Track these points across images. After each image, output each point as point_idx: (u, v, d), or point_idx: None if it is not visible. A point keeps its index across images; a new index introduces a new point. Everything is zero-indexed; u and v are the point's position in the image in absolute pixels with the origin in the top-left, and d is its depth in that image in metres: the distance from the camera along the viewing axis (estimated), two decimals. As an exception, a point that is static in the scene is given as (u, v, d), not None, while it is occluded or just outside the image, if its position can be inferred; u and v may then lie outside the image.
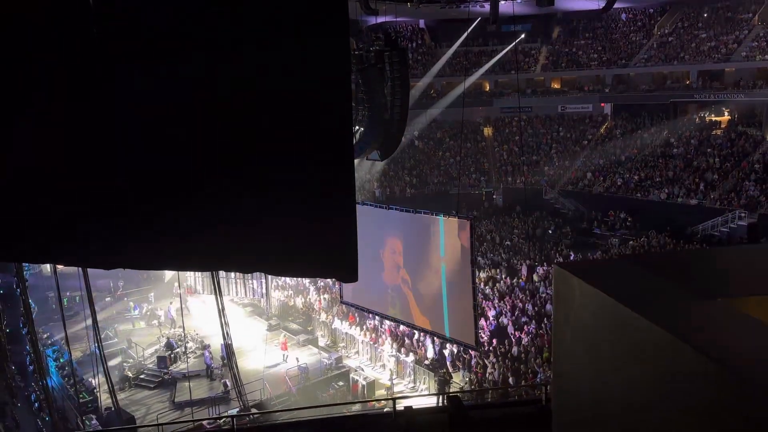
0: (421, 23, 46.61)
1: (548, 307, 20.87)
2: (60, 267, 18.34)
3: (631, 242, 28.58)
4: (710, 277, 2.60)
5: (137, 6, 3.48)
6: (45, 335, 23.38)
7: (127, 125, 3.63)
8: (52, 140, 3.68)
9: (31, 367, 17.86)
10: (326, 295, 25.99)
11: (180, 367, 21.84)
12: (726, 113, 35.41)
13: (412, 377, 20.47)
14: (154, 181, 3.75)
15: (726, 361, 1.78)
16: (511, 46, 39.90)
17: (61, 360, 21.70)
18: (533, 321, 20.88)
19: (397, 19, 40.87)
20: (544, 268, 24.73)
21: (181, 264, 6.01)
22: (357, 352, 22.77)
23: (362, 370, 21.26)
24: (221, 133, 3.63)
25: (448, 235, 17.06)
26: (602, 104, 40.65)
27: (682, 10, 40.29)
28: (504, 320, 21.33)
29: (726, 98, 34.59)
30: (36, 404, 16.91)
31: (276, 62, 3.43)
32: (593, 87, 40.75)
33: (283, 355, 22.29)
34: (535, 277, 24.41)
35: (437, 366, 19.93)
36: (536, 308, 21.65)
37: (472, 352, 18.88)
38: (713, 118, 35.57)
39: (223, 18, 3.44)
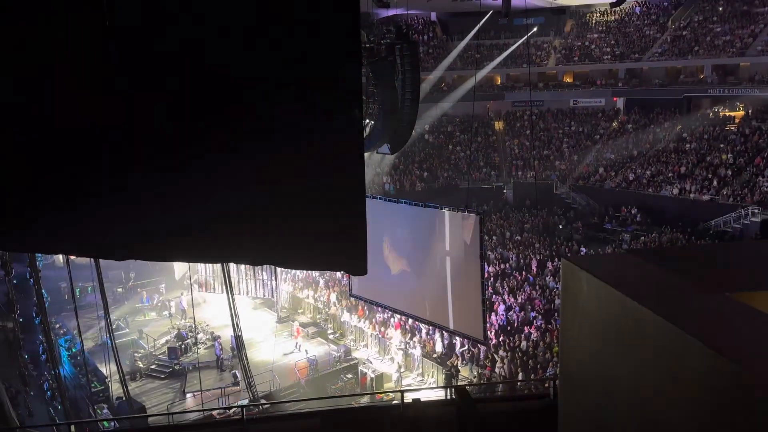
0: (433, 16, 46.43)
1: (558, 302, 20.82)
2: (72, 258, 18.52)
3: (642, 238, 28.41)
4: (718, 271, 2.59)
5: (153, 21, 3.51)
6: (57, 325, 23.64)
7: (139, 119, 3.66)
8: (65, 141, 3.73)
9: (43, 357, 18.08)
10: (336, 288, 26.08)
11: (190, 357, 22.03)
12: (740, 108, 35.04)
13: (420, 370, 20.53)
14: (165, 175, 3.78)
15: (732, 354, 1.78)
16: (524, 39, 39.70)
17: (74, 349, 21.94)
18: (542, 316, 20.84)
19: (409, 12, 40.80)
20: (554, 263, 24.65)
21: (192, 256, 6.06)
22: (365, 345, 22.86)
23: (370, 362, 21.35)
24: (232, 129, 3.66)
25: (455, 229, 17.03)
26: (615, 98, 40.36)
27: (696, 4, 39.85)
28: (513, 315, 21.31)
29: (741, 93, 34.22)
30: (48, 393, 17.12)
31: (287, 56, 3.45)
32: (606, 81, 40.45)
33: (296, 343, 22.46)
34: (545, 272, 24.34)
35: (445, 360, 19.97)
36: (546, 303, 21.61)
37: (481, 347, 18.89)
38: (727, 113, 35.20)
39: (233, 15, 3.46)
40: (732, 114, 35.03)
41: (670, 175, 32.05)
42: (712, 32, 37.49)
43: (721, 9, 38.61)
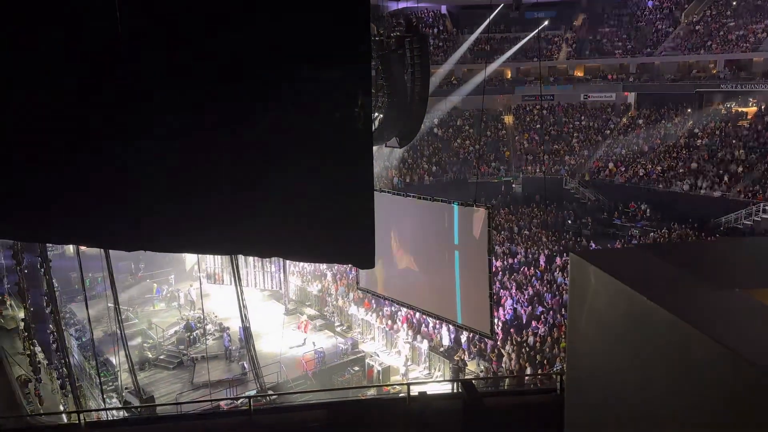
0: (443, 9, 46.22)
1: (566, 297, 20.78)
2: (83, 248, 18.66)
3: (652, 234, 28.28)
4: (729, 268, 2.58)
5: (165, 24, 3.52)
6: (68, 315, 23.86)
7: (144, 112, 3.67)
8: (74, 131, 3.75)
9: (54, 346, 18.25)
10: (343, 281, 26.15)
11: (199, 348, 22.18)
12: (753, 104, 34.70)
13: (427, 364, 20.57)
14: (173, 168, 3.80)
15: (743, 352, 1.77)
16: (534, 33, 39.43)
17: (83, 339, 22.14)
18: (551, 311, 20.82)
19: (419, 5, 40.62)
20: (563, 258, 24.58)
21: (201, 247, 6.08)
22: (373, 338, 22.93)
23: (377, 355, 21.42)
24: (238, 121, 3.67)
25: (463, 223, 17.00)
26: (626, 93, 40.07)
27: (710, -2, 39.50)
28: (521, 310, 21.30)
29: (753, 89, 33.89)
30: (58, 382, 17.30)
31: (294, 47, 3.44)
32: (617, 75, 40.16)
33: (304, 338, 22.54)
34: (554, 267, 24.29)
35: (452, 353, 20.00)
36: (554, 298, 21.58)
37: (488, 341, 18.89)
38: (739, 109, 34.88)
39: (244, 19, 3.46)
40: (744, 110, 34.70)
41: (681, 170, 31.83)
42: (725, 27, 37.11)
43: (734, 3, 38.19)
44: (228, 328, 22.74)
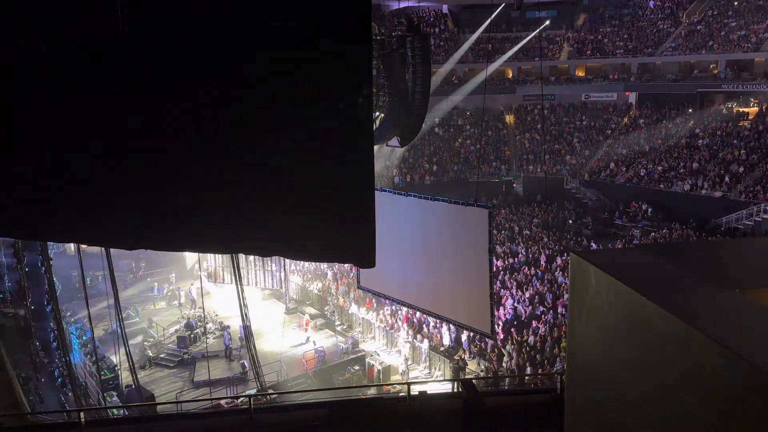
0: (444, 8, 46.18)
1: (567, 297, 20.76)
2: (83, 247, 18.66)
3: (652, 234, 28.26)
4: (730, 268, 2.58)
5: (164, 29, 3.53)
6: (68, 313, 23.85)
7: (147, 111, 3.68)
8: (76, 131, 3.76)
9: (54, 344, 18.26)
10: (344, 280, 26.15)
11: (199, 347, 22.19)
12: (754, 104, 34.65)
13: (428, 363, 20.57)
14: (175, 166, 3.80)
15: (742, 352, 1.77)
16: (536, 32, 39.39)
17: (84, 338, 22.14)
18: (551, 311, 20.81)
19: (420, 4, 40.58)
20: (564, 258, 24.57)
21: (202, 246, 6.08)
22: (373, 337, 22.93)
23: (378, 354, 21.41)
24: (241, 119, 3.67)
25: (464, 223, 17.00)
26: (627, 93, 40.02)
27: (712, -2, 39.46)
28: (521, 309, 21.29)
29: (755, 89, 33.85)
30: (59, 380, 17.30)
31: (295, 44, 3.44)
32: (618, 75, 40.12)
33: (307, 337, 22.54)
34: (554, 267, 24.27)
35: (453, 353, 20.00)
36: (554, 298, 21.56)
37: (489, 341, 18.89)
38: (741, 109, 34.84)
39: (246, 20, 3.47)
40: (745, 110, 34.67)
41: (681, 170, 31.81)
42: (726, 27, 37.06)
43: (736, 3, 38.14)
44: (228, 327, 22.74)
